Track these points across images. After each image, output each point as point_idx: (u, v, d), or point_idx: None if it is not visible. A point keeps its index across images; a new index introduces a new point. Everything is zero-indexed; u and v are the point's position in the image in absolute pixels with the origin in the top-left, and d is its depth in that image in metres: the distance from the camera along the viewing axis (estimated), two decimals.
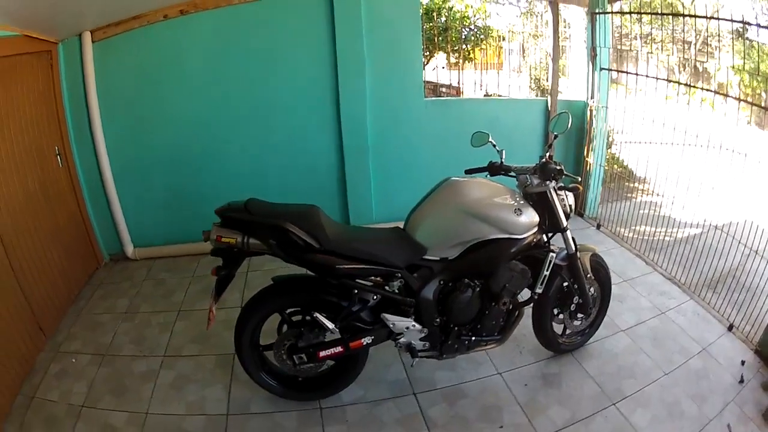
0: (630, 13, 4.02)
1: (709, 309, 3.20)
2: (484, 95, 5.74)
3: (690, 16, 3.61)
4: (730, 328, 3.03)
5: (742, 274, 3.34)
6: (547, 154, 2.38)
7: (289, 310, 2.37)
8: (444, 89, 6.76)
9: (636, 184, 4.37)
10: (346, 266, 2.10)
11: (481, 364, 2.75)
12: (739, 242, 3.07)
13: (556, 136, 2.44)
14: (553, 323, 2.68)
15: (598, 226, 4.40)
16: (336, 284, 2.20)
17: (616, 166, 4.97)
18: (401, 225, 2.38)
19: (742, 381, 2.64)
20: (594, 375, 2.67)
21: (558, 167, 2.29)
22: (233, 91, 3.86)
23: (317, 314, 2.19)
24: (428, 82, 5.49)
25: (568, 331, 2.77)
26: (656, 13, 3.82)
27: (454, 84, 6.65)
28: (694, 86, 3.81)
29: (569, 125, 2.38)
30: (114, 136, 3.76)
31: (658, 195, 3.77)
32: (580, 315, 2.69)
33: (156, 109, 3.80)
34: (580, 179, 2.36)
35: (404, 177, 4.30)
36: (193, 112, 3.85)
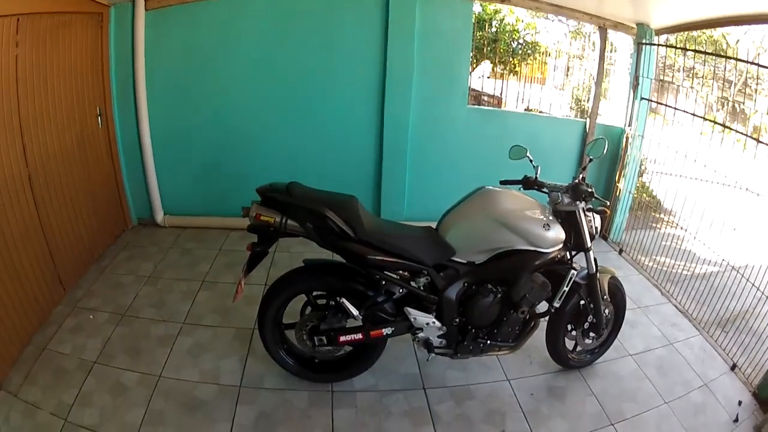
0: (675, 47, 4.08)
1: (716, 346, 3.26)
2: (525, 109, 5.80)
3: (732, 58, 3.67)
4: (733, 367, 3.09)
5: (752, 317, 3.39)
6: (580, 176, 2.48)
7: (315, 293, 2.47)
8: (486, 98, 6.83)
9: (662, 215, 4.43)
10: (377, 257, 2.22)
11: (492, 369, 2.85)
12: (753, 285, 3.13)
13: (591, 160, 2.53)
14: (566, 339, 2.77)
15: (621, 252, 4.47)
16: (365, 274, 2.32)
17: (645, 195, 5.03)
18: (433, 225, 2.48)
19: (736, 420, 2.69)
20: (597, 393, 2.75)
21: (589, 189, 2.39)
22: (281, 75, 3.97)
23: (344, 300, 2.30)
24: (471, 89, 5.57)
25: (578, 348, 2.85)
26: (700, 51, 3.87)
27: (497, 94, 6.73)
28: (728, 127, 3.86)
29: (605, 151, 2.47)
30: (157, 104, 3.88)
31: (681, 228, 3.82)
32: (592, 334, 2.77)
33: (201, 83, 3.91)
34: (608, 203, 2.44)
35: (439, 180, 4.40)
36: (238, 91, 3.97)
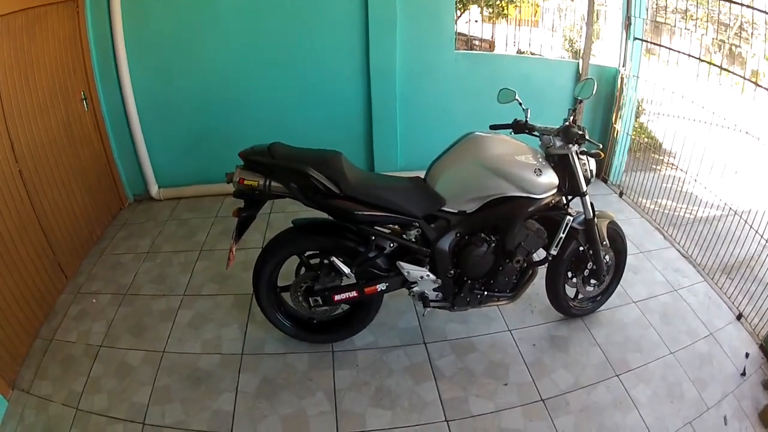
0: None
1: (721, 294, 3.16)
2: (517, 52, 5.63)
3: (729, 0, 3.50)
4: (739, 317, 2.99)
5: (757, 264, 3.29)
6: (571, 118, 2.37)
7: (307, 253, 2.42)
8: (477, 42, 6.65)
9: (662, 157, 4.30)
10: (364, 212, 2.14)
11: (493, 319, 2.80)
12: (756, 232, 3.02)
13: (580, 101, 2.42)
14: (566, 286, 2.70)
15: (621, 194, 4.36)
16: (354, 230, 2.26)
17: (643, 136, 4.89)
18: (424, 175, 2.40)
19: (744, 374, 2.62)
20: (601, 343, 2.70)
21: (580, 132, 2.28)
22: (262, 35, 3.87)
23: (334, 258, 2.24)
24: (462, 34, 5.40)
25: (580, 296, 2.79)
26: None
27: (488, 38, 6.54)
28: (726, 69, 3.71)
29: (593, 92, 2.35)
30: (141, 78, 3.80)
31: (682, 171, 3.70)
32: (593, 281, 2.70)
33: (184, 51, 3.82)
34: (601, 146, 2.34)
35: (431, 128, 4.30)
36: (221, 55, 3.88)
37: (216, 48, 3.85)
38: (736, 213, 3.18)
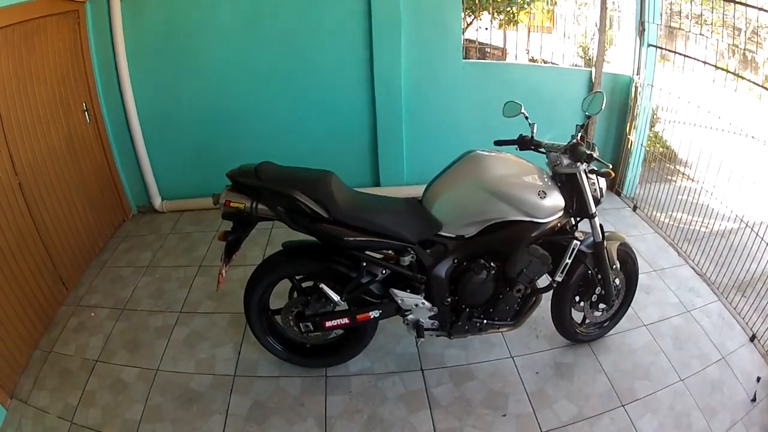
0: None
1: (735, 314, 2.98)
2: (529, 60, 5.43)
3: (741, 3, 3.30)
4: (753, 338, 2.82)
5: None
6: (579, 135, 2.19)
7: (299, 277, 2.31)
8: (489, 50, 6.43)
9: (677, 167, 4.07)
10: (354, 238, 2.01)
11: (495, 345, 2.65)
12: None
13: (589, 117, 2.25)
14: (573, 311, 2.53)
15: (635, 208, 4.15)
16: (345, 255, 2.12)
17: (658, 146, 4.65)
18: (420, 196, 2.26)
19: (754, 399, 2.46)
20: (608, 371, 2.53)
21: (589, 151, 2.09)
22: (265, 46, 3.76)
23: (323, 285, 2.12)
24: (472, 41, 5.19)
25: (587, 321, 2.62)
26: None
27: (500, 45, 6.32)
28: (740, 76, 3.49)
29: (603, 107, 2.17)
30: (143, 89, 3.73)
31: (698, 182, 3.50)
32: (601, 306, 2.53)
33: (185, 62, 3.74)
34: (612, 166, 2.15)
35: (438, 139, 4.13)
36: (223, 67, 3.78)
37: (218, 59, 3.76)
38: (749, 227, 2.99)
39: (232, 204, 1.99)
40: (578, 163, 2.15)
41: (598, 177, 2.27)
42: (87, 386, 2.44)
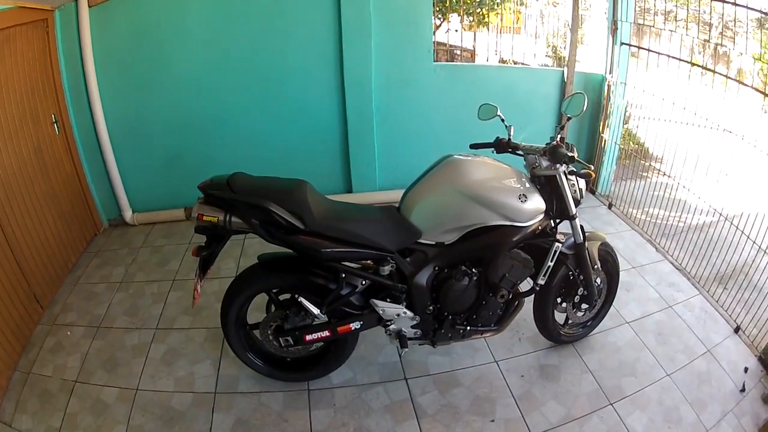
0: None
1: (717, 306, 2.98)
2: (499, 61, 5.37)
3: None
4: (737, 330, 2.82)
5: (752, 270, 3.10)
6: (558, 137, 2.12)
7: (276, 290, 2.21)
8: (458, 52, 6.33)
9: (650, 163, 4.06)
10: (332, 249, 1.91)
11: (478, 350, 2.58)
12: (749, 238, 2.82)
13: (569, 118, 2.17)
14: (555, 312, 2.47)
15: (610, 206, 4.13)
16: (323, 266, 2.02)
17: (631, 143, 4.64)
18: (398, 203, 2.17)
19: (743, 390, 2.45)
20: (594, 370, 2.49)
21: (570, 153, 2.04)
22: (234, 51, 3.63)
23: (302, 298, 2.02)
24: (442, 44, 5.12)
25: (570, 322, 2.57)
26: None
27: (469, 47, 6.23)
28: (710, 70, 3.48)
29: (584, 108, 2.11)
30: (112, 99, 3.58)
31: (672, 177, 3.48)
32: (584, 306, 2.49)
33: (155, 71, 3.59)
34: (592, 167, 2.09)
35: (410, 144, 4.05)
36: (192, 74, 3.64)
37: (186, 68, 3.62)
38: (726, 219, 2.99)
39: (205, 217, 1.89)
40: (558, 165, 2.09)
41: (578, 178, 2.21)
42: (68, 408, 2.33)
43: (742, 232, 2.89)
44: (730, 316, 2.90)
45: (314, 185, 2.01)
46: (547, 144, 2.16)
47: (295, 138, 3.91)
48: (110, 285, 3.21)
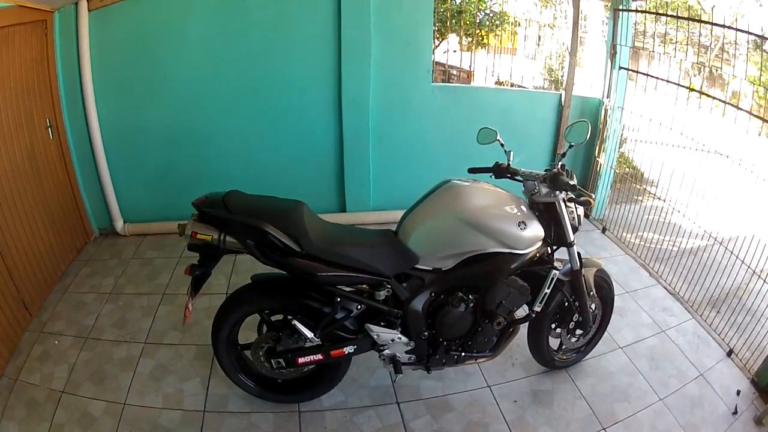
0: (656, 13, 3.63)
1: (710, 330, 2.96)
2: (496, 82, 5.35)
3: (709, 23, 3.31)
4: (730, 353, 2.80)
5: (745, 294, 3.09)
6: (559, 164, 2.08)
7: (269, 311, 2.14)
8: (455, 72, 6.29)
9: (644, 186, 4.04)
10: (328, 273, 1.84)
11: (471, 375, 2.53)
12: (742, 261, 2.81)
13: (571, 146, 2.12)
14: (549, 338, 2.43)
15: (604, 230, 4.11)
16: (318, 289, 1.96)
17: (625, 167, 4.62)
18: (399, 214, 2.11)
19: (735, 412, 2.43)
20: (587, 395, 2.45)
21: (571, 182, 1.99)
22: (232, 64, 3.56)
23: (295, 321, 1.95)
24: (439, 64, 5.08)
25: (564, 347, 2.52)
26: (680, 17, 3.49)
27: (466, 67, 6.19)
28: (705, 93, 3.48)
29: (587, 136, 2.06)
30: (107, 106, 3.49)
31: (664, 201, 3.46)
32: (578, 332, 2.44)
33: (152, 81, 3.52)
34: (594, 196, 2.05)
35: (406, 165, 3.99)
36: (189, 86, 3.56)
37: (184, 78, 3.55)
38: (719, 242, 2.98)
39: (198, 235, 1.82)
40: (557, 192, 2.04)
41: (577, 205, 2.17)
42: (55, 419, 2.25)
43: (736, 255, 2.88)
44: (723, 339, 2.89)
45: (307, 203, 1.95)
46: (546, 170, 2.12)
47: (289, 155, 3.84)
48: (99, 295, 3.12)
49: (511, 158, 2.23)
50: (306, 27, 3.52)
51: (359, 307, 2.00)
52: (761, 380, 2.59)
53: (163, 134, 3.64)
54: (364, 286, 2.03)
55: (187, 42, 3.46)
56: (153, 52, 3.45)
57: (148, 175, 3.76)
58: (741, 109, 3.18)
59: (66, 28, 3.27)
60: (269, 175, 3.77)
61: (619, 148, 4.28)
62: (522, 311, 2.24)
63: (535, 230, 2.04)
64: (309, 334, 1.95)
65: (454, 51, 6.36)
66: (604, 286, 2.46)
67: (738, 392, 2.55)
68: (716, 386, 2.57)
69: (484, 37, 6.32)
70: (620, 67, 3.84)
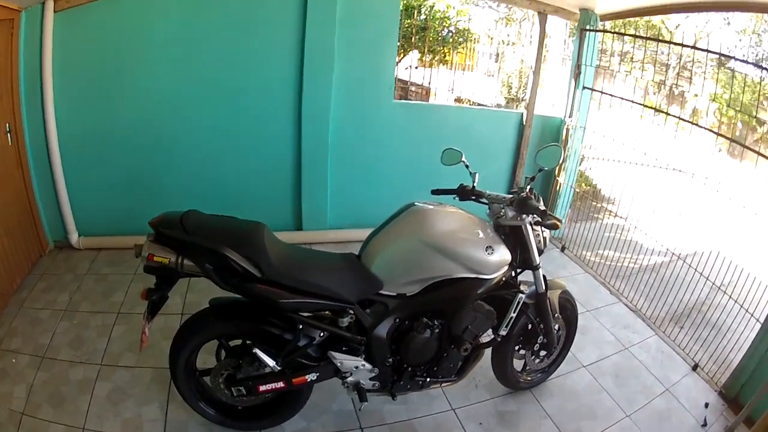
0: (624, 34, 3.65)
1: (674, 346, 2.98)
2: (455, 99, 5.32)
3: (674, 43, 3.34)
4: (695, 367, 2.83)
5: (707, 308, 3.12)
6: (528, 188, 2.03)
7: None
8: (414, 88, 6.21)
9: (603, 204, 4.06)
10: (289, 300, 1.75)
11: (435, 398, 2.45)
12: (702, 275, 2.84)
13: (540, 170, 2.07)
14: (513, 359, 2.37)
15: (563, 249, 4.10)
16: (280, 315, 1.86)
17: (584, 184, 4.63)
18: (358, 233, 2.02)
19: (705, 425, 2.44)
20: (553, 414, 2.41)
21: (541, 208, 1.94)
22: (193, 76, 3.41)
23: (257, 350, 1.84)
24: (399, 80, 5.01)
25: (528, 368, 2.48)
26: (649, 38, 3.53)
27: (424, 83, 6.11)
28: (665, 112, 3.52)
29: (560, 161, 2.02)
30: (67, 112, 3.29)
31: (622, 218, 3.48)
32: (542, 353, 2.40)
33: (112, 87, 3.33)
34: (562, 220, 2.00)
35: (365, 183, 3.88)
36: (149, 95, 3.39)
37: (144, 86, 3.37)
38: (679, 257, 3.00)
39: (155, 258, 1.70)
40: (524, 215, 1.99)
41: (543, 228, 2.12)
42: None
43: (696, 270, 2.91)
44: (687, 354, 2.91)
45: (263, 220, 1.85)
46: (511, 193, 2.07)
47: (248, 168, 3.70)
48: (55, 312, 2.92)
49: (476, 180, 2.17)
50: (271, 36, 3.42)
51: (322, 334, 1.91)
52: (729, 392, 2.62)
53: (121, 143, 3.45)
54: (327, 312, 1.93)
55: (150, 50, 3.30)
56: (115, 58, 3.27)
57: (104, 187, 3.54)
58: (700, 126, 3.22)
59: (32, 28, 3.08)
60: (226, 190, 3.64)
61: (578, 166, 4.30)
62: (487, 335, 2.18)
63: (502, 254, 1.99)
64: (271, 362, 1.85)
65: (416, 67, 6.27)
66: (568, 307, 2.43)
67: (706, 405, 2.56)
68: (683, 400, 2.58)
69: (447, 53, 6.28)
70: (584, 87, 3.84)
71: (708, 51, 3.05)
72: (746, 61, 3.35)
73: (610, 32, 3.79)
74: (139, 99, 3.39)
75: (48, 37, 3.10)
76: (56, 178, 3.38)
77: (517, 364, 2.44)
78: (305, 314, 1.88)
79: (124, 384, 2.43)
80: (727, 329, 2.81)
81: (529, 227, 2.03)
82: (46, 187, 3.41)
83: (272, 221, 2.01)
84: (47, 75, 3.17)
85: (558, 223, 2.05)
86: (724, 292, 2.79)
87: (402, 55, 5.60)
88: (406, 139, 3.85)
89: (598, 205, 4.09)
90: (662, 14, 3.56)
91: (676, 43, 3.33)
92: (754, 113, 5.23)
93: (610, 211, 3.73)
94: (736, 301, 2.75)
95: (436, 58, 5.96)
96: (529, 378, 2.51)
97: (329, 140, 3.69)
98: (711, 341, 2.80)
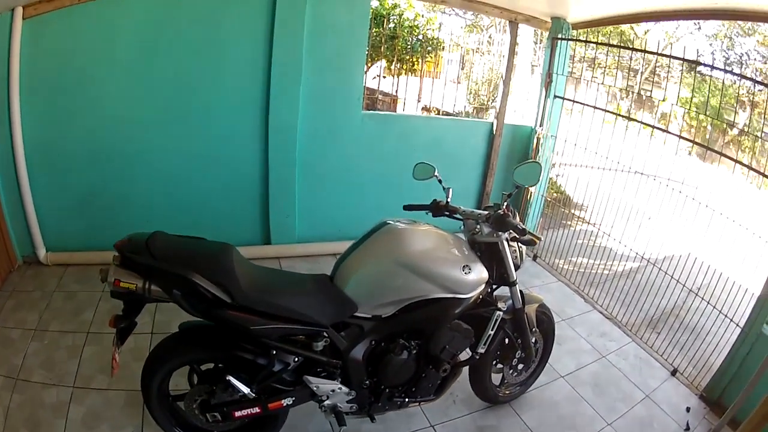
0: (596, 43, 3.65)
1: (651, 352, 2.99)
2: (423, 108, 5.28)
3: (645, 51, 3.36)
4: (674, 372, 2.85)
5: (684, 312, 3.13)
6: (504, 204, 2.00)
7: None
8: (381, 96, 6.12)
9: (573, 211, 4.06)
10: (261, 327, 1.69)
11: (413, 415, 2.41)
12: (676, 280, 2.85)
13: (518, 187, 2.04)
14: (492, 373, 2.35)
15: (535, 257, 4.09)
16: (252, 341, 1.80)
17: (554, 192, 4.62)
18: (326, 246, 1.97)
19: (687, 429, 2.45)
20: (533, 426, 2.40)
21: (521, 226, 1.91)
22: (158, 87, 3.31)
23: (230, 378, 1.78)
24: (366, 89, 4.95)
25: (506, 382, 2.46)
26: (620, 46, 3.54)
27: (390, 92, 6.01)
28: (632, 118, 3.54)
29: (539, 179, 1.99)
30: (33, 125, 3.16)
31: (593, 225, 3.48)
32: (520, 367, 2.38)
33: (79, 99, 3.20)
34: (541, 238, 1.97)
35: (334, 195, 3.80)
36: (115, 107, 3.27)
37: (110, 98, 3.25)
38: (651, 263, 3.00)
39: (122, 284, 1.62)
40: (500, 232, 1.96)
41: (520, 244, 2.10)
42: None
43: (670, 275, 2.91)
44: (665, 359, 2.91)
45: (230, 234, 1.80)
46: (487, 208, 2.05)
47: (214, 182, 3.60)
48: (25, 332, 2.80)
49: (450, 195, 2.14)
50: (237, 47, 3.34)
51: (296, 359, 1.86)
52: (711, 395, 2.63)
53: (87, 156, 3.32)
54: (301, 336, 1.88)
55: (114, 63, 3.18)
56: (81, 69, 3.15)
57: (71, 201, 3.41)
58: (666, 131, 3.22)
59: (1, 35, 2.94)
60: (193, 204, 3.54)
61: (549, 174, 4.30)
62: (465, 353, 2.15)
63: (480, 273, 1.96)
64: (245, 389, 1.79)
65: (384, 77, 6.17)
66: (545, 320, 2.42)
67: (688, 409, 2.58)
68: (664, 406, 2.58)
69: (416, 62, 6.21)
70: (555, 96, 3.83)
71: (671, 57, 3.08)
72: (713, 66, 3.37)
73: (582, 41, 3.80)
74: (103, 113, 3.26)
75: (16, 45, 2.96)
76: (23, 193, 3.24)
77: (496, 378, 2.42)
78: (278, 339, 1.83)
79: (98, 407, 2.34)
80: (705, 333, 2.82)
81: (505, 243, 2.01)
82: (14, 201, 3.27)
83: (240, 235, 1.95)
84: (14, 85, 3.02)
85: (536, 240, 2.03)
86: (700, 297, 2.81)
87: (370, 64, 5.50)
88: (376, 150, 3.80)
89: (569, 212, 4.09)
90: (633, 22, 3.58)
91: (644, 51, 3.34)
92: (724, 116, 5.30)
93: (581, 218, 3.73)
94: (712, 305, 2.77)
95: (404, 67, 5.88)
96: (507, 391, 2.50)
97: (297, 153, 3.62)
98: (689, 345, 2.82)
